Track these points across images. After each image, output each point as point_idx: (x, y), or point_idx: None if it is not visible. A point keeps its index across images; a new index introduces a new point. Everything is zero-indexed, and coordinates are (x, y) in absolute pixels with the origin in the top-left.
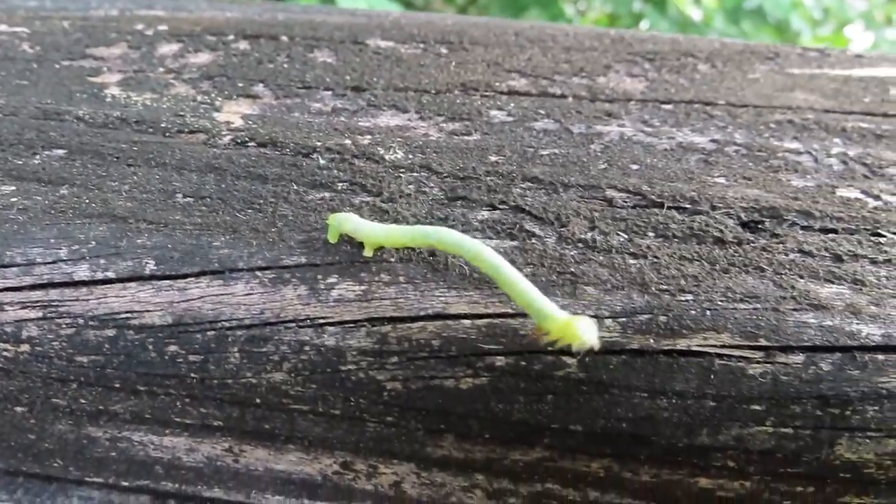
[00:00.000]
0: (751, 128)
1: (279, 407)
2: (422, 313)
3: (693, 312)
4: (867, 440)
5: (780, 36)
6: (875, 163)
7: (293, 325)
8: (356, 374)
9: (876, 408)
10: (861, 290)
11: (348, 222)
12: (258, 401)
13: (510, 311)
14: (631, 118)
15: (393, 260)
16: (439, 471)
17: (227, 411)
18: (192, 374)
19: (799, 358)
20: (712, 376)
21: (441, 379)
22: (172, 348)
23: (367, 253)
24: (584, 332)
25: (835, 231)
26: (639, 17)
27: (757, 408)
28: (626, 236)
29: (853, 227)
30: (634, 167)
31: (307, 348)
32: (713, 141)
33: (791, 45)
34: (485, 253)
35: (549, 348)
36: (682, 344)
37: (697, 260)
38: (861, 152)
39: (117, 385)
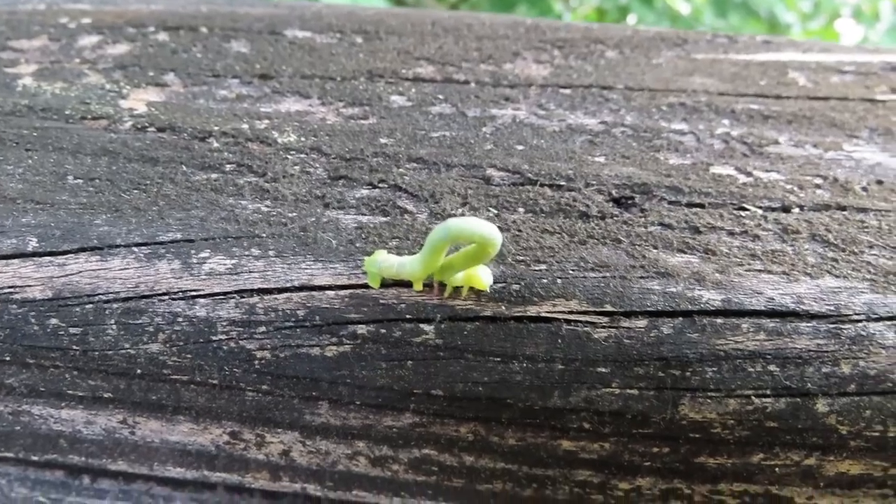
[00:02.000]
0: (642, 110)
1: (161, 378)
2: (288, 285)
3: (545, 281)
4: (708, 400)
5: (770, 29)
6: (756, 142)
7: (166, 297)
8: (227, 344)
9: (714, 369)
10: (710, 259)
11: (388, 266)
12: (140, 371)
13: None
14: (528, 102)
15: (264, 235)
16: (322, 438)
17: (113, 383)
18: (74, 347)
19: (642, 322)
20: (560, 340)
21: (307, 347)
22: (53, 321)
23: (418, 287)
24: (485, 277)
25: (701, 206)
26: (626, 10)
27: (603, 370)
28: (495, 211)
29: (720, 201)
30: (520, 148)
31: (180, 319)
32: (602, 123)
33: (703, 31)
34: None
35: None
36: (532, 310)
37: (558, 233)
38: (745, 132)
39: (7, 358)
